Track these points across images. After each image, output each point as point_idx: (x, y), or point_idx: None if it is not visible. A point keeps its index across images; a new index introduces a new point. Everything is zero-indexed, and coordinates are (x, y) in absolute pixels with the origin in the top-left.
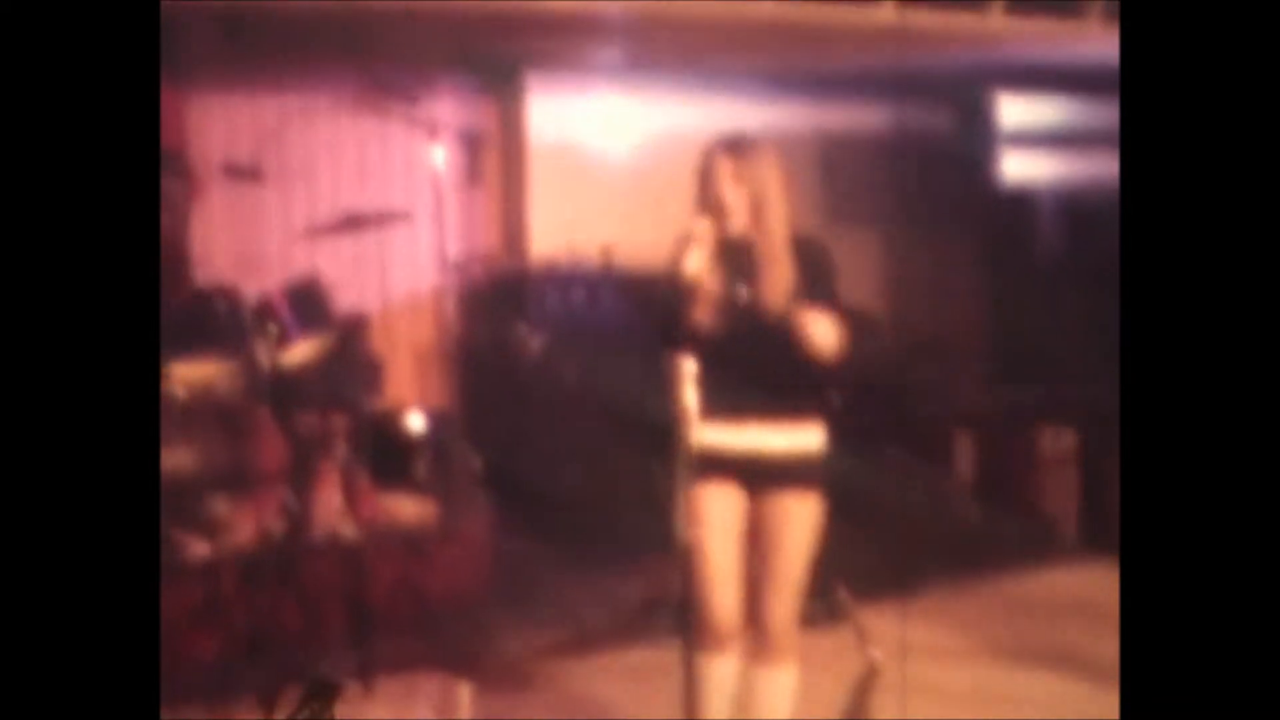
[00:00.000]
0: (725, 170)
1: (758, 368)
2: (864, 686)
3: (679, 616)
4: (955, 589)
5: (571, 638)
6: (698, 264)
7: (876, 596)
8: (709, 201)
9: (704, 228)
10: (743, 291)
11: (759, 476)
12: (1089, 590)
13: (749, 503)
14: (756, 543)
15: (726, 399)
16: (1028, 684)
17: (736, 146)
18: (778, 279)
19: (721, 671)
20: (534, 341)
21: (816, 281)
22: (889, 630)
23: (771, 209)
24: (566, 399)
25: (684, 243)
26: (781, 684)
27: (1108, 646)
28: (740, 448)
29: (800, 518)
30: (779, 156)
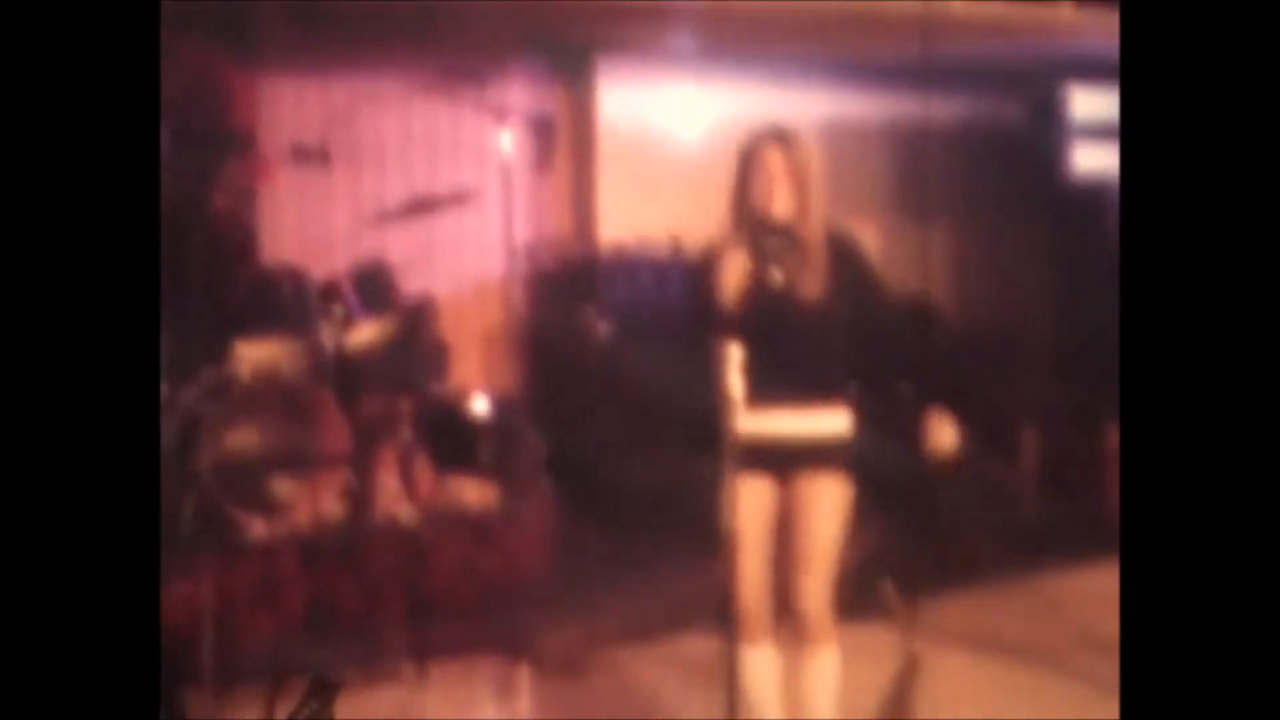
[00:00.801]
0: (776, 162)
1: (789, 354)
2: (906, 679)
3: (720, 608)
4: (1019, 583)
5: (630, 626)
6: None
7: (937, 589)
8: (759, 191)
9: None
10: (776, 275)
11: (788, 462)
12: None
13: (779, 489)
14: (787, 528)
15: (756, 386)
16: (1087, 676)
17: (784, 137)
18: (817, 268)
19: (760, 660)
20: (601, 328)
21: (854, 273)
22: (944, 623)
23: (814, 199)
24: (632, 386)
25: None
26: (823, 667)
27: None
28: (770, 434)
29: (830, 501)
30: (815, 147)
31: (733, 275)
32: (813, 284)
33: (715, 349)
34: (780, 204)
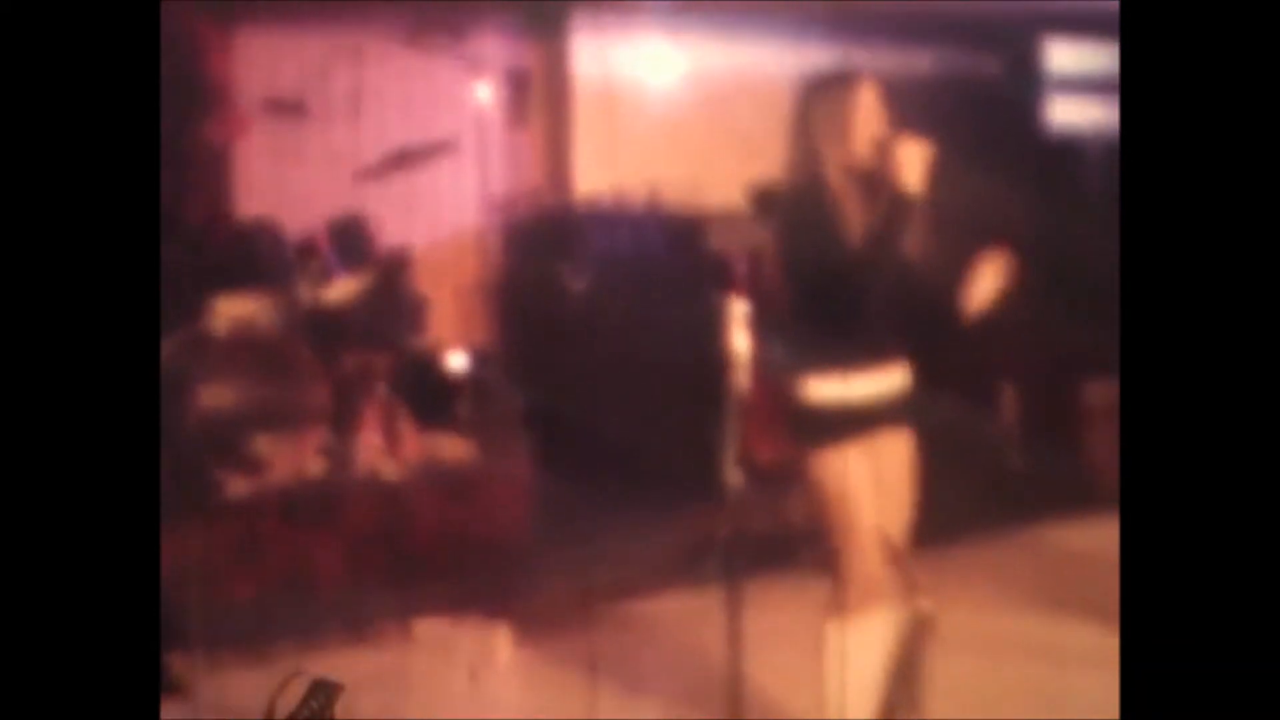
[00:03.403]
0: (874, 103)
1: (884, 311)
2: (915, 638)
3: (727, 562)
4: (998, 538)
5: (614, 582)
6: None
7: (920, 545)
8: (862, 136)
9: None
10: (890, 228)
11: (872, 423)
12: None
13: (869, 453)
14: (881, 490)
15: (841, 348)
16: (1067, 635)
17: (873, 81)
18: (916, 219)
19: (879, 626)
20: (578, 281)
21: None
22: (932, 581)
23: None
24: (610, 339)
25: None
26: (889, 625)
27: None
28: (861, 398)
29: (907, 458)
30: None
31: (814, 225)
32: (911, 237)
33: (715, 304)
34: (885, 149)
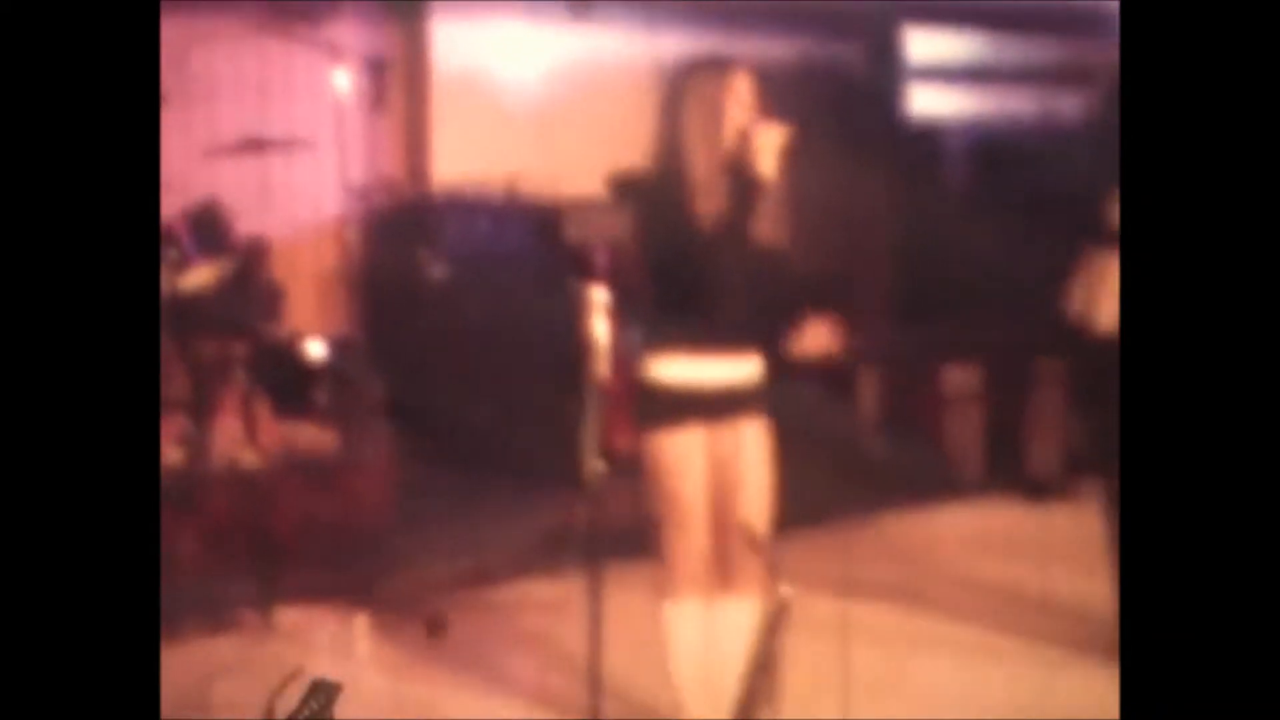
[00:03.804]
0: (749, 94)
1: (737, 297)
2: (773, 623)
3: (587, 550)
4: (859, 524)
5: (474, 569)
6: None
7: (779, 532)
8: (734, 124)
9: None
10: (751, 214)
11: (721, 409)
12: (992, 527)
13: (709, 438)
14: (723, 477)
15: (692, 333)
16: (923, 623)
17: (749, 70)
18: (778, 207)
19: (694, 612)
20: (436, 270)
21: None
22: (790, 567)
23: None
24: (469, 328)
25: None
26: (749, 613)
27: (1010, 582)
28: (708, 383)
29: (762, 446)
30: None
31: (670, 212)
32: (771, 224)
33: (575, 293)
34: (745, 135)
